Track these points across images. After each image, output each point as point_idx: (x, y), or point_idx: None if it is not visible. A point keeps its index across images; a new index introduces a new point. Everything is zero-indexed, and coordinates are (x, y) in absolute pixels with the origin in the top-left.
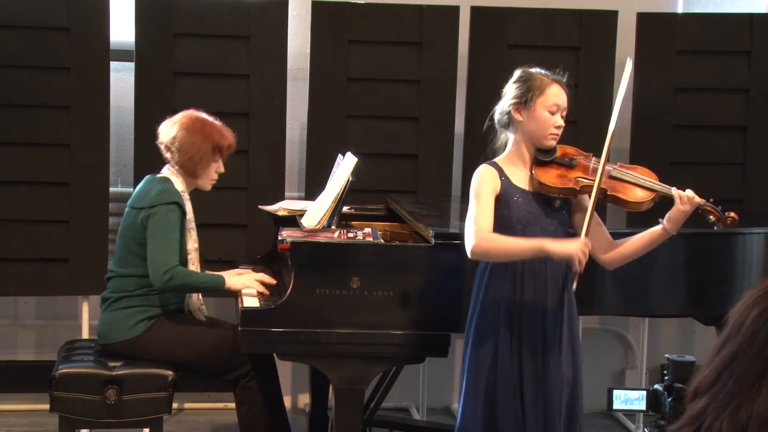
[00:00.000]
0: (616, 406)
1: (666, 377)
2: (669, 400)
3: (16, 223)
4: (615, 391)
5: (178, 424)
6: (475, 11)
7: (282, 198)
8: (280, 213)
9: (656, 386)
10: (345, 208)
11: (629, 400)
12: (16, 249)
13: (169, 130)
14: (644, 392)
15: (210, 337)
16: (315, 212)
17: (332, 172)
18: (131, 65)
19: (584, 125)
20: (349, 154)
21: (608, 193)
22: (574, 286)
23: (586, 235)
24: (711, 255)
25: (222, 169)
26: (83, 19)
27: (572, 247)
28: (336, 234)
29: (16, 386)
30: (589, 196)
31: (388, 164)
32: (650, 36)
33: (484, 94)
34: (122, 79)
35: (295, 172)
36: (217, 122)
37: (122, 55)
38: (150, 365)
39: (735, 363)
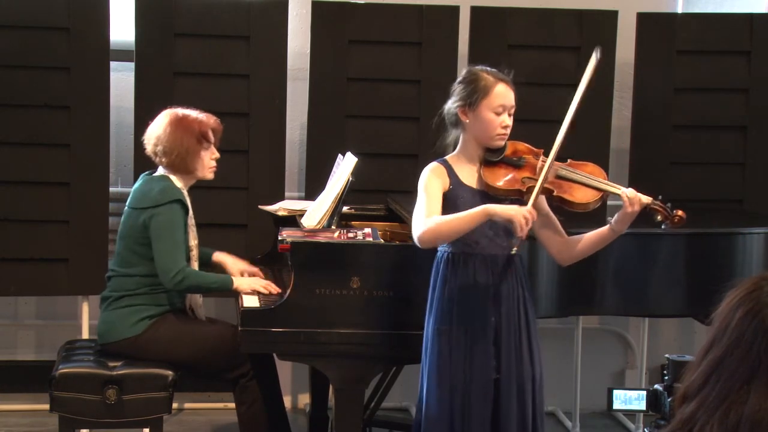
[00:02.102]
0: (616, 406)
1: (666, 377)
2: (669, 400)
3: (16, 223)
4: (615, 391)
5: (178, 424)
6: (475, 11)
7: (282, 198)
8: (280, 213)
9: (656, 386)
10: (345, 208)
11: (629, 400)
12: (16, 249)
13: (150, 136)
14: (644, 392)
15: (210, 337)
16: (315, 212)
17: (332, 172)
18: (131, 65)
19: (584, 126)
20: (349, 154)
21: (554, 194)
22: (514, 249)
23: (533, 205)
24: (711, 255)
25: (217, 155)
26: (83, 19)
27: (514, 210)
28: (336, 234)
29: (16, 386)
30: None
31: (388, 164)
32: (650, 36)
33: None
34: (122, 79)
35: (295, 172)
36: (194, 111)
37: (122, 55)
38: (150, 365)
39: (723, 365)
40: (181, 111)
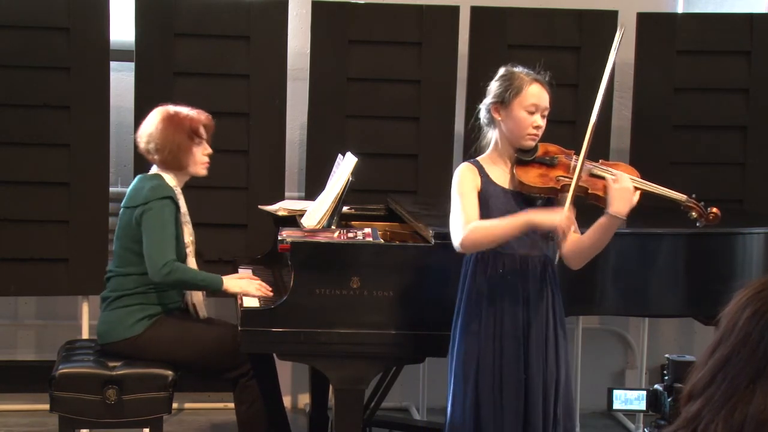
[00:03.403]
0: (616, 406)
1: (666, 377)
2: (669, 400)
3: (16, 223)
4: (615, 391)
5: (178, 424)
6: (475, 11)
7: (282, 198)
8: (280, 213)
9: (656, 386)
10: (345, 208)
11: (629, 400)
12: (16, 249)
13: (142, 134)
14: (644, 392)
15: (210, 336)
16: (315, 212)
17: (332, 172)
18: (131, 65)
19: (584, 126)
20: (349, 154)
21: (589, 191)
22: (558, 256)
23: (571, 204)
24: (711, 255)
25: (209, 150)
26: (83, 19)
27: (557, 218)
28: (336, 234)
29: (16, 386)
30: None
31: (388, 164)
32: (650, 36)
33: (484, 94)
34: (122, 79)
35: (295, 172)
36: (185, 108)
37: (122, 55)
38: (150, 365)
39: (729, 364)
40: (172, 108)
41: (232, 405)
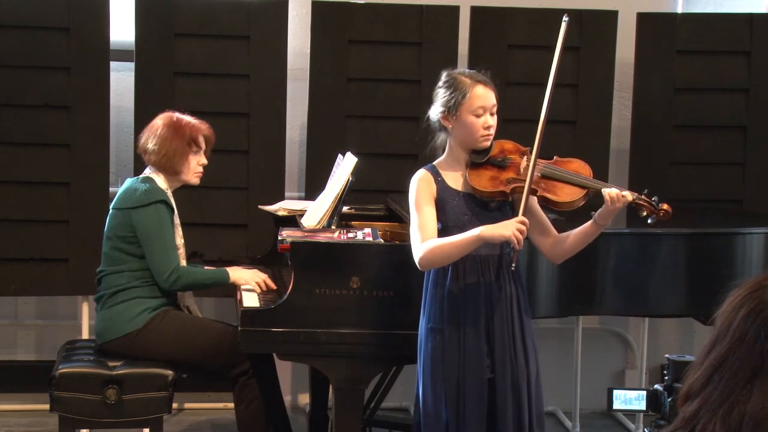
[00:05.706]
0: (616, 406)
1: (666, 377)
2: (669, 400)
3: (16, 223)
4: (615, 391)
5: (178, 424)
6: (475, 11)
7: (282, 198)
8: (280, 213)
9: (656, 386)
10: (345, 208)
11: (629, 400)
12: (16, 249)
13: (143, 134)
14: (644, 392)
15: (211, 334)
16: (315, 212)
17: (332, 172)
18: (131, 65)
19: (584, 126)
20: (349, 154)
21: (538, 194)
22: (513, 264)
23: (523, 214)
24: (711, 255)
25: (204, 161)
26: (83, 19)
27: (507, 230)
28: (336, 234)
29: (16, 386)
30: (521, 196)
31: (388, 164)
32: (650, 36)
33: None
34: (122, 79)
35: (295, 172)
36: (190, 117)
37: (122, 55)
38: (150, 365)
39: (725, 364)
40: (177, 114)
41: (232, 405)
